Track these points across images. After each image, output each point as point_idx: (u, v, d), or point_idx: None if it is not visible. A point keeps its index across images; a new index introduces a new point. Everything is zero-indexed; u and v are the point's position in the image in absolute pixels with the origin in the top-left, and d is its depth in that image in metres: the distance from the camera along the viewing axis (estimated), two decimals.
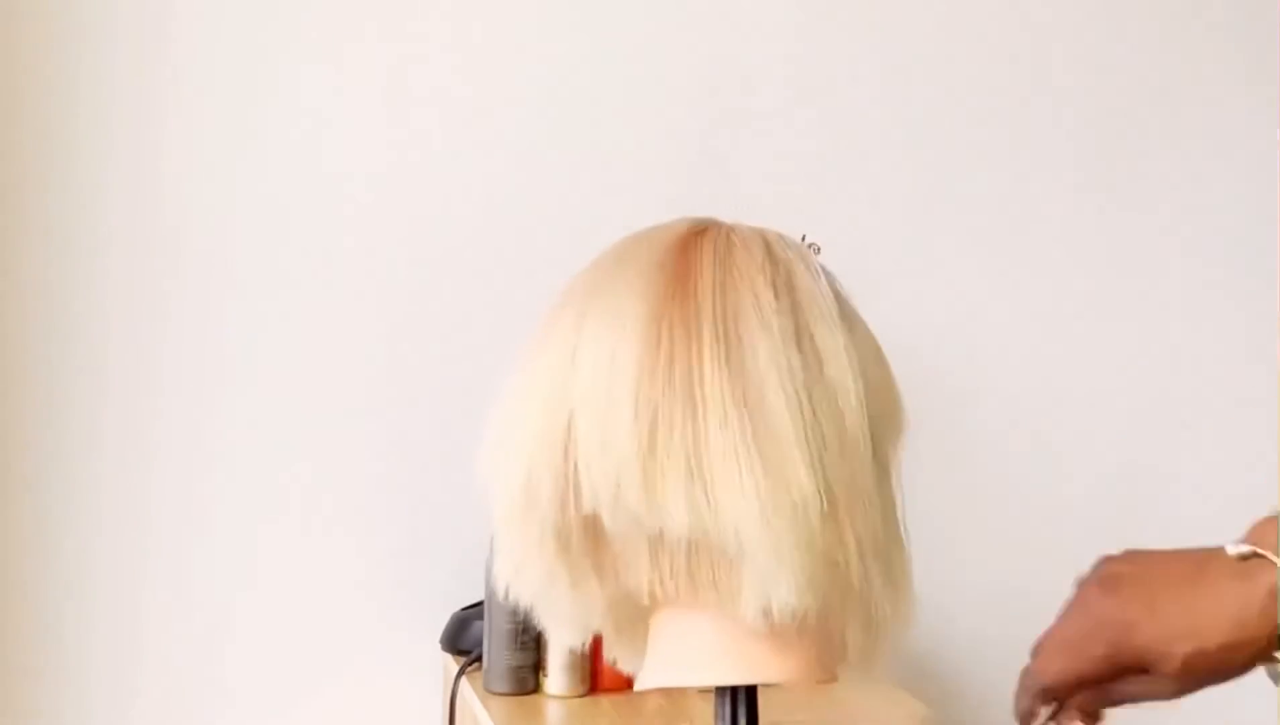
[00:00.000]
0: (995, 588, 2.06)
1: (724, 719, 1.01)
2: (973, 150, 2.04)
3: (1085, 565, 0.97)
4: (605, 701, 1.65)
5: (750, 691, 1.01)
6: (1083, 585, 0.96)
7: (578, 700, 1.65)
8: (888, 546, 0.97)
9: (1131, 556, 0.95)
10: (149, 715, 1.82)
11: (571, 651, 1.60)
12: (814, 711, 1.58)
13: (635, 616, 1.00)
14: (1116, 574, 0.94)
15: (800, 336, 0.94)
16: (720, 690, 1.01)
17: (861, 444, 0.94)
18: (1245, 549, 0.88)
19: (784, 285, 0.96)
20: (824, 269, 1.00)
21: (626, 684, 1.26)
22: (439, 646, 1.81)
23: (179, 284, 1.82)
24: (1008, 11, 2.05)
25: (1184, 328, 2.13)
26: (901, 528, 1.00)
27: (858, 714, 1.61)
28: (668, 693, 1.57)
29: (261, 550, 1.84)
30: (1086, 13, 2.08)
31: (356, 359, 1.86)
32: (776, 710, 1.55)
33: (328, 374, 1.85)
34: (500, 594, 1.00)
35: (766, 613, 0.91)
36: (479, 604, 1.73)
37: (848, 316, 0.98)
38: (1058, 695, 0.96)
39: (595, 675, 1.67)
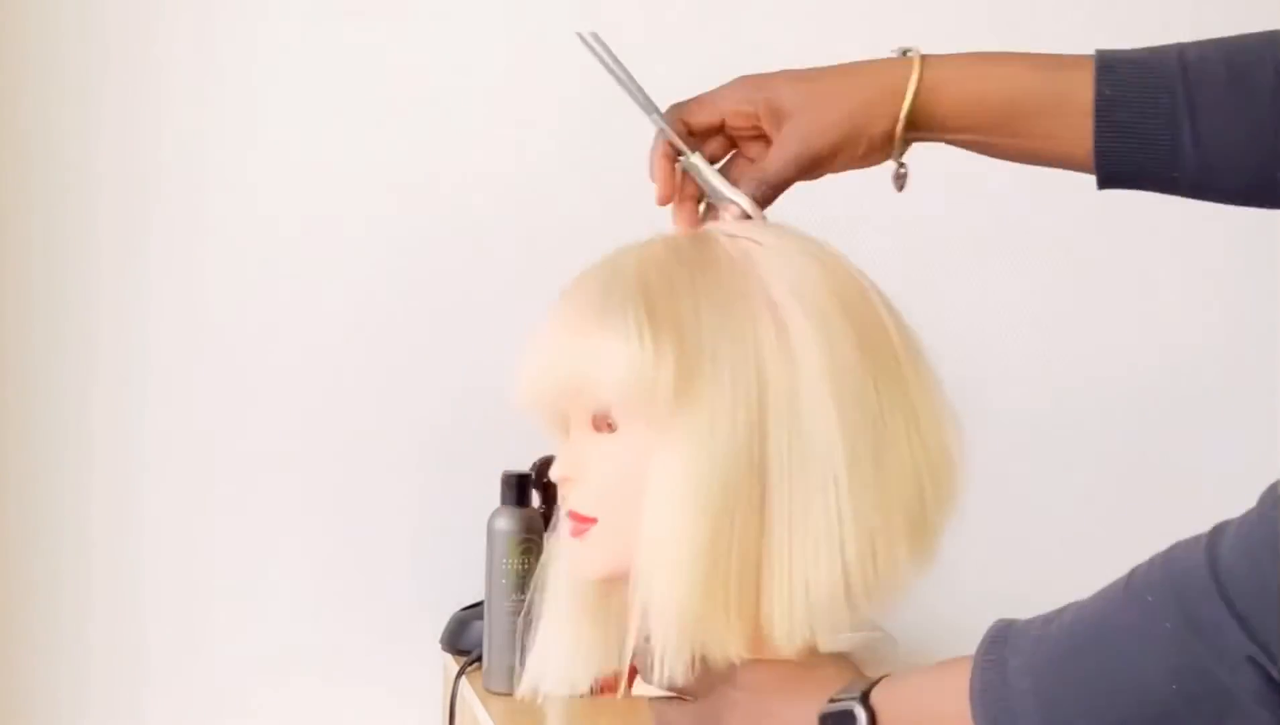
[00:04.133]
0: (995, 588, 2.05)
1: None
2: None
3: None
4: (606, 702, 1.64)
5: None
6: None
7: (578, 700, 1.65)
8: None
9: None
10: (148, 714, 1.82)
11: None
12: None
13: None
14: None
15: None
16: None
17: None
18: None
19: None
20: None
21: (627, 684, 1.26)
22: (439, 646, 1.81)
23: (181, 281, 1.82)
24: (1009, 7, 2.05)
25: (1185, 322, 2.13)
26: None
27: None
28: None
29: (260, 550, 1.84)
30: (1084, 6, 2.08)
31: (355, 358, 1.86)
32: None
33: (327, 373, 1.85)
34: None
35: None
36: (479, 604, 1.73)
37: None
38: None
39: None
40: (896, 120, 1.03)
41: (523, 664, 1.06)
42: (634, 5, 1.92)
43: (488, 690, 1.65)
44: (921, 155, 2.01)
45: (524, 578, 1.63)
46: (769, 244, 0.99)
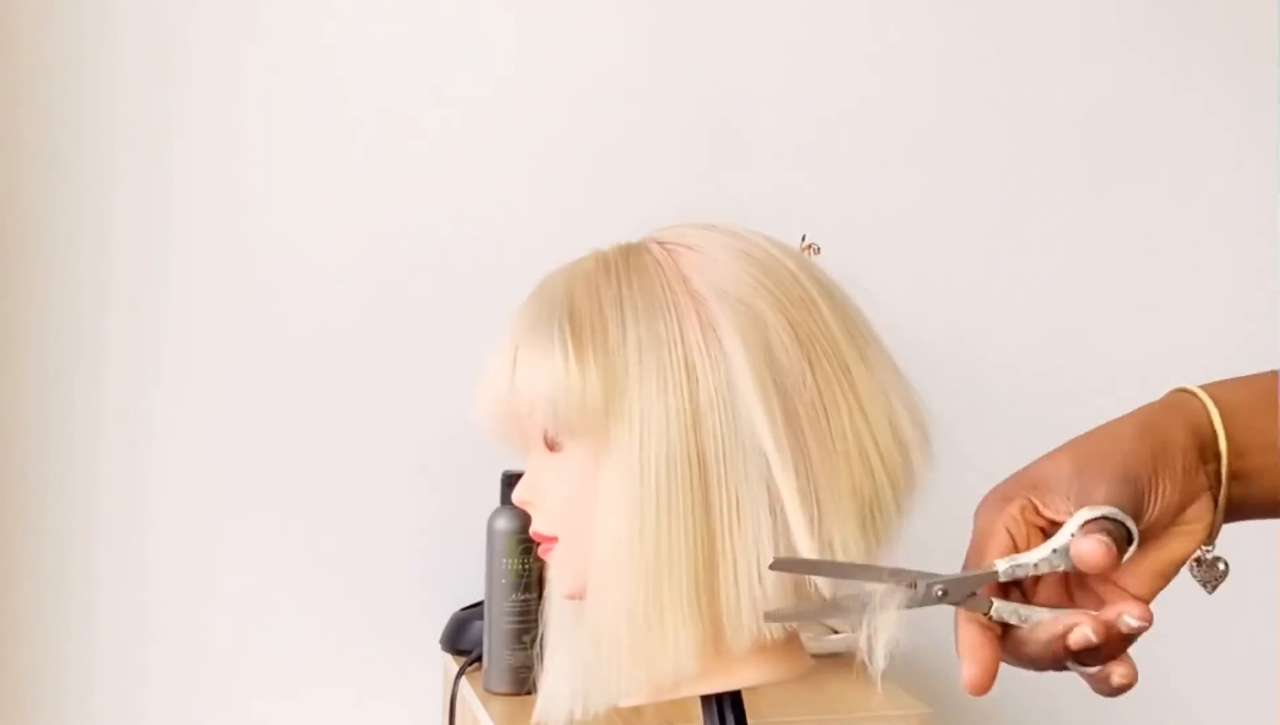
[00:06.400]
0: None
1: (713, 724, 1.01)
2: (972, 142, 2.04)
3: None
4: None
5: (735, 695, 1.02)
6: None
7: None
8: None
9: None
10: (149, 713, 1.82)
11: None
12: (813, 712, 1.58)
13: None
14: None
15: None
16: (705, 697, 1.01)
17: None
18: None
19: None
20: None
21: None
22: (439, 646, 1.81)
23: (185, 287, 1.82)
24: (1008, 7, 2.05)
25: (1185, 317, 2.13)
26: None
27: (858, 714, 1.61)
28: None
29: (261, 550, 1.85)
30: (1083, 4, 2.08)
31: (357, 358, 1.86)
32: (775, 711, 1.56)
33: (329, 373, 1.85)
34: None
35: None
36: (479, 604, 1.73)
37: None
38: None
39: None
40: (1190, 449, 0.83)
41: (536, 688, 1.05)
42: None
43: (487, 690, 1.65)
44: (922, 152, 2.02)
45: (524, 578, 1.63)
46: (698, 246, 0.99)
